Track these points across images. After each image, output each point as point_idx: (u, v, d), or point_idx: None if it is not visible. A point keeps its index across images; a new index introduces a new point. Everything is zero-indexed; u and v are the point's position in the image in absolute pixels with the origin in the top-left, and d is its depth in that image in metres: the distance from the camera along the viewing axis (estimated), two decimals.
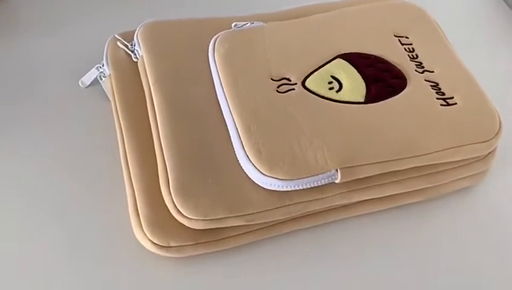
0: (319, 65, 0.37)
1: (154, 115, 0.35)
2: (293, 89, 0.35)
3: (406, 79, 0.37)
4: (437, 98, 0.36)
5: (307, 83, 0.36)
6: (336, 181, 0.32)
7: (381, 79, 0.37)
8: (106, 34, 0.42)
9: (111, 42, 0.41)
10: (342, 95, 0.36)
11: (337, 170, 0.32)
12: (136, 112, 0.37)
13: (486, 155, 0.36)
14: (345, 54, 0.38)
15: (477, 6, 0.52)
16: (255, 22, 0.40)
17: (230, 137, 0.34)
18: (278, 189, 0.31)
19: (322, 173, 0.32)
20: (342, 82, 0.36)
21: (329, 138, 0.33)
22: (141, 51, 0.39)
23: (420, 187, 0.35)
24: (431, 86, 0.37)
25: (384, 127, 0.34)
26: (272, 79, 0.36)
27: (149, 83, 0.37)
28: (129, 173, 0.34)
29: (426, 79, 0.37)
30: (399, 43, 0.39)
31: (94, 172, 0.37)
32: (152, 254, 0.32)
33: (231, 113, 0.34)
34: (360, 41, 0.39)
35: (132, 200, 0.33)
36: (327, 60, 0.38)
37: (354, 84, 0.36)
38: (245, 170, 0.32)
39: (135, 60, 0.39)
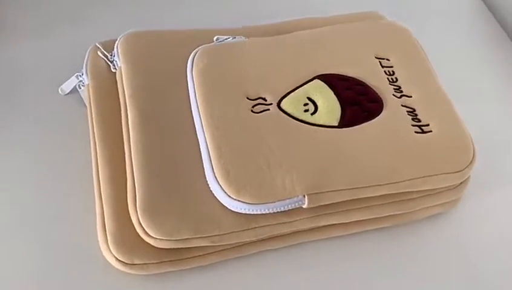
0: (297, 85, 0.37)
1: (127, 129, 0.35)
2: (268, 110, 0.35)
3: (383, 103, 0.37)
4: (413, 125, 0.36)
5: (282, 104, 0.36)
6: (304, 206, 0.32)
7: (358, 102, 0.37)
8: (93, 40, 0.42)
9: (92, 51, 0.41)
10: (317, 118, 0.36)
11: (304, 196, 0.32)
12: (111, 124, 0.37)
13: (459, 184, 0.36)
14: (323, 74, 0.38)
15: (466, 22, 0.52)
16: (236, 37, 0.40)
17: (201, 156, 0.34)
18: (244, 212, 0.32)
19: (289, 199, 0.32)
20: (317, 104, 0.36)
21: (299, 162, 0.33)
22: (119, 62, 0.39)
23: (389, 214, 0.35)
24: (407, 111, 0.37)
25: (354, 153, 0.34)
26: (247, 98, 0.36)
27: (125, 96, 0.37)
28: (99, 186, 0.35)
29: (403, 104, 0.37)
30: (379, 65, 0.39)
31: (65, 182, 0.37)
32: (118, 270, 0.33)
33: (203, 132, 0.34)
34: (340, 62, 0.39)
35: (101, 215, 0.33)
36: (305, 81, 0.37)
37: (329, 107, 0.36)
38: (213, 191, 0.32)
39: (113, 70, 0.39)
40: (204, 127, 0.34)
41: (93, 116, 0.37)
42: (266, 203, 0.31)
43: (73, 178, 0.37)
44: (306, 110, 0.36)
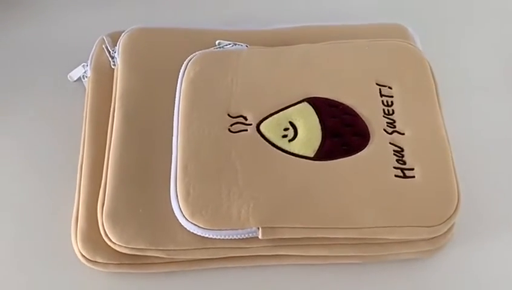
0: (283, 106, 0.36)
1: (111, 130, 0.37)
2: (246, 130, 0.35)
3: (368, 138, 0.35)
4: (395, 167, 0.34)
5: (262, 126, 0.35)
6: (259, 237, 0.32)
7: (340, 134, 0.35)
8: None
9: (100, 42, 0.42)
10: (293, 146, 0.34)
11: (258, 228, 0.32)
12: (102, 122, 0.38)
13: (435, 236, 0.34)
14: (314, 98, 0.36)
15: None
16: (238, 44, 0.40)
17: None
18: (198, 234, 0.32)
19: (242, 229, 0.32)
20: (298, 131, 0.35)
21: (260, 192, 0.32)
22: (118, 60, 0.40)
23: (351, 255, 0.34)
24: (394, 151, 0.34)
25: (321, 190, 0.33)
26: (228, 114, 0.36)
27: (116, 96, 0.38)
28: (80, 182, 0.37)
29: (392, 142, 0.35)
30: (378, 93, 0.36)
31: (54, 170, 0.39)
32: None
33: (177, 147, 0.35)
34: (335, 85, 0.37)
35: (76, 210, 0.36)
36: (292, 102, 0.36)
37: (309, 136, 0.35)
38: (173, 208, 0.33)
39: (113, 67, 0.40)
40: (178, 140, 0.35)
41: (87, 111, 0.39)
42: (219, 229, 0.32)
43: (62, 167, 0.39)
44: (285, 136, 0.35)
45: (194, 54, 0.38)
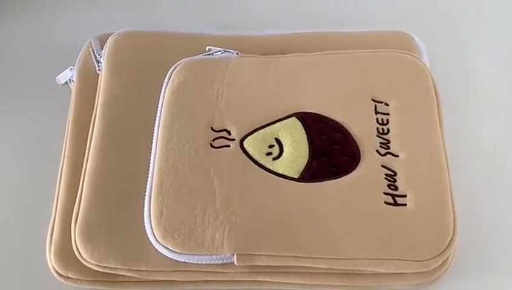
0: (270, 121, 0.34)
1: (90, 140, 0.35)
2: (228, 146, 0.33)
3: (359, 159, 0.32)
4: (386, 193, 0.31)
5: (245, 143, 0.33)
6: (235, 263, 0.30)
7: (328, 154, 0.32)
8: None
9: (88, 45, 0.40)
10: (278, 165, 0.32)
11: (233, 254, 0.30)
12: (84, 129, 0.36)
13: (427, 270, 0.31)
14: (304, 112, 0.34)
15: None
16: (228, 51, 0.37)
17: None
18: (169, 257, 0.31)
19: (216, 255, 0.30)
20: (284, 148, 0.33)
21: (237, 216, 0.30)
22: (103, 64, 0.38)
23: (336, 285, 0.32)
24: (386, 175, 0.32)
25: (303, 216, 0.30)
26: (212, 128, 0.33)
27: (98, 103, 0.37)
28: (59, 192, 0.35)
29: (384, 164, 0.32)
30: (373, 111, 0.34)
31: (36, 176, 0.38)
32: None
33: (154, 161, 0.33)
34: (328, 100, 0.34)
35: (52, 221, 0.34)
36: (281, 117, 0.34)
37: (295, 155, 0.32)
38: (145, 228, 0.31)
39: (98, 72, 0.38)
40: (156, 155, 0.33)
41: (70, 118, 0.37)
42: (192, 254, 0.30)
43: (44, 173, 0.37)
44: (269, 154, 0.33)
45: (180, 61, 0.36)
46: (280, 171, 0.32)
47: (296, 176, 0.32)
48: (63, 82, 0.41)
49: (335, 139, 0.33)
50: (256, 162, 0.32)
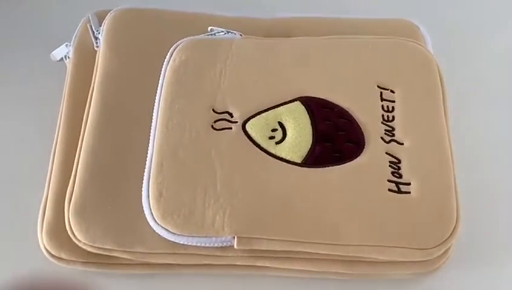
0: (274, 105, 0.33)
1: (87, 118, 0.34)
2: (230, 128, 0.32)
3: (363, 146, 0.32)
4: (389, 181, 0.31)
5: (248, 125, 0.32)
6: (234, 246, 0.30)
7: (332, 139, 0.32)
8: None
9: (86, 21, 0.39)
10: (280, 149, 0.32)
11: (234, 237, 0.29)
12: (79, 107, 0.35)
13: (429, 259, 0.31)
14: (308, 97, 0.33)
15: None
16: (231, 32, 0.36)
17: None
18: (167, 238, 0.30)
19: (216, 237, 0.29)
20: (287, 132, 0.32)
21: (238, 199, 0.30)
22: (101, 41, 0.37)
23: (337, 271, 0.31)
24: (390, 162, 0.31)
25: (305, 200, 0.30)
26: (213, 110, 0.33)
27: (95, 80, 0.35)
28: (52, 170, 0.34)
29: (388, 152, 0.32)
30: (378, 97, 0.33)
31: (28, 153, 0.36)
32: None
33: (153, 141, 0.32)
34: (333, 85, 0.33)
35: (44, 200, 0.33)
36: (284, 101, 0.33)
37: (299, 139, 0.32)
38: (143, 208, 0.31)
39: (96, 48, 0.37)
40: (156, 135, 0.32)
41: (65, 95, 0.36)
42: (191, 236, 0.29)
43: (37, 150, 0.36)
44: (272, 137, 0.32)
45: (182, 40, 0.35)
46: (283, 156, 0.31)
47: (299, 161, 0.31)
48: (58, 58, 0.40)
49: (339, 125, 0.32)
50: (258, 146, 0.31)
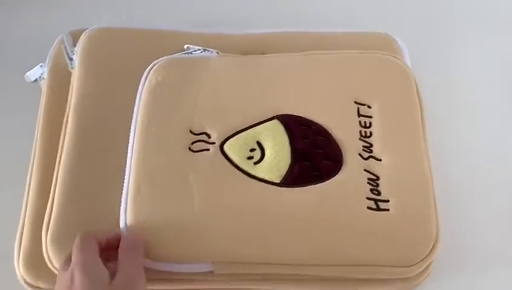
0: (251, 124, 0.33)
1: (63, 143, 0.33)
2: (208, 150, 0.32)
3: (341, 163, 0.31)
4: (368, 198, 0.30)
5: (225, 146, 0.32)
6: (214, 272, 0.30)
7: (311, 157, 0.31)
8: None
9: (60, 41, 0.38)
10: (259, 170, 0.31)
11: (212, 263, 0.29)
12: (55, 131, 0.34)
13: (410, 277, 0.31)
14: (286, 115, 0.33)
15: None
16: (208, 50, 0.36)
17: None
18: (146, 266, 0.29)
19: (194, 264, 0.29)
20: (265, 152, 0.32)
21: (216, 224, 0.29)
22: (76, 62, 0.36)
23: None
24: (369, 179, 0.31)
25: (284, 222, 0.30)
26: (191, 131, 0.32)
27: (70, 103, 0.35)
28: (28, 194, 0.33)
29: (367, 169, 0.31)
30: (356, 113, 0.33)
31: (1, 179, 0.36)
32: None
33: (131, 164, 0.32)
34: (310, 102, 0.33)
35: (21, 227, 0.33)
36: (262, 119, 0.33)
37: (277, 159, 0.31)
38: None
39: (71, 69, 0.36)
40: (133, 158, 0.32)
41: (40, 118, 0.36)
42: (170, 262, 0.29)
43: (13, 176, 0.35)
44: (250, 157, 0.32)
45: (158, 60, 0.35)
46: (261, 176, 0.31)
47: (278, 181, 0.31)
48: (32, 79, 0.39)
49: (317, 143, 0.32)
50: (237, 167, 0.31)
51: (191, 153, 0.32)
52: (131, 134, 0.33)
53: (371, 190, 0.31)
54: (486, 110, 0.39)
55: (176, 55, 0.36)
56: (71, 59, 0.36)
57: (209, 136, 0.32)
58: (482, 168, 0.37)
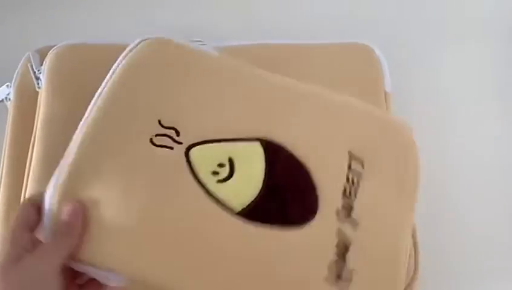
0: (228, 137, 0.28)
1: (29, 167, 0.30)
2: (171, 148, 0.27)
3: (313, 215, 0.27)
4: (329, 266, 0.26)
5: (192, 151, 0.27)
6: None
7: (282, 197, 0.27)
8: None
9: (27, 59, 0.34)
10: (220, 190, 0.27)
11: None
12: (22, 155, 0.31)
13: None
14: (270, 141, 0.28)
15: None
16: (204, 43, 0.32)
17: None
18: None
19: (107, 272, 0.24)
20: (234, 173, 0.27)
21: (147, 238, 0.24)
22: (43, 81, 0.32)
23: None
24: (337, 244, 0.27)
25: (229, 259, 0.25)
26: (159, 121, 0.28)
27: (37, 125, 0.31)
28: None
29: (339, 230, 0.27)
30: (346, 165, 0.29)
31: None
32: None
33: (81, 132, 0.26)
34: (302, 136, 0.29)
35: None
36: (243, 137, 0.28)
37: (245, 185, 0.27)
38: None
39: (37, 89, 0.33)
40: (84, 126, 0.26)
41: (6, 142, 0.32)
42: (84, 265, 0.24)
43: None
44: (215, 173, 0.27)
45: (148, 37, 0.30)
46: (221, 197, 0.26)
47: (238, 209, 0.26)
48: None
49: (295, 183, 0.27)
50: (196, 178, 0.26)
51: (150, 145, 0.27)
52: (91, 104, 0.28)
53: (337, 254, 0.26)
54: (466, 115, 0.39)
55: (175, 38, 0.31)
56: (37, 78, 0.33)
57: (178, 133, 0.27)
58: (465, 173, 0.37)
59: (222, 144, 0.28)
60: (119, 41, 0.32)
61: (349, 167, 0.29)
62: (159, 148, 0.27)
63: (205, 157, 0.27)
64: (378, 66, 0.36)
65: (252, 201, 0.26)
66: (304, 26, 0.41)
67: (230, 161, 0.28)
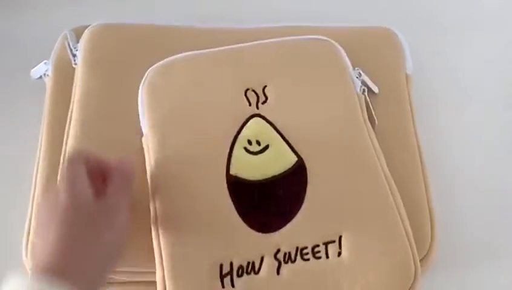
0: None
1: (66, 139, 0.33)
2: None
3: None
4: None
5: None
6: None
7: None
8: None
9: (63, 37, 0.37)
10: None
11: None
12: (60, 127, 0.34)
13: None
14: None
15: None
16: None
17: None
18: None
19: None
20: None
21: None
22: (79, 58, 0.35)
23: None
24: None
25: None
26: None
27: (74, 99, 0.34)
28: (34, 193, 0.33)
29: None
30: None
31: (9, 175, 0.35)
32: None
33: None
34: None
35: (28, 223, 0.32)
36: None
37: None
38: None
39: (74, 65, 0.36)
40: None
41: (45, 115, 0.35)
42: None
43: (17, 172, 0.34)
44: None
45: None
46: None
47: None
48: (37, 76, 0.38)
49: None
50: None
51: None
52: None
53: None
54: (486, 102, 0.39)
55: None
56: (74, 55, 0.36)
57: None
58: (482, 153, 0.37)
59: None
60: (149, 22, 0.37)
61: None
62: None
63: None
64: (400, 50, 0.37)
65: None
66: (327, 9, 0.42)
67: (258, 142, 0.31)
